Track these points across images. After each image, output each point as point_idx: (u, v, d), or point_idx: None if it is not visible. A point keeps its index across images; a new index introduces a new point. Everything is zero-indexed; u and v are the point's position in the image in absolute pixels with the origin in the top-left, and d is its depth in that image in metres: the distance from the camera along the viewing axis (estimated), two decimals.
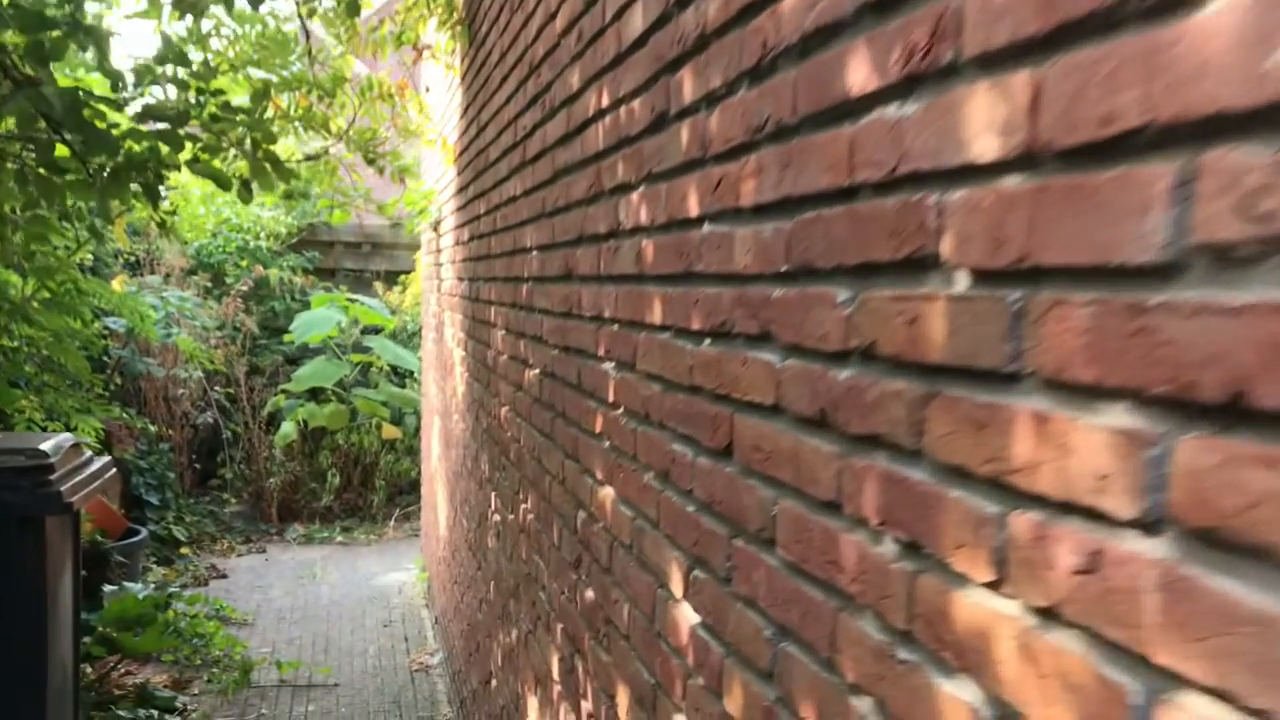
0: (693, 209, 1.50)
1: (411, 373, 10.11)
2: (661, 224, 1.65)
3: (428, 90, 4.78)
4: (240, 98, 4.67)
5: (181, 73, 4.26)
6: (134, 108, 4.33)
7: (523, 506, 3.03)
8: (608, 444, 2.02)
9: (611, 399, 1.98)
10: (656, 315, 1.68)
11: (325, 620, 6.67)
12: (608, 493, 2.01)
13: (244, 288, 9.47)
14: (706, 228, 1.45)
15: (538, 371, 2.80)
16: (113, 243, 8.65)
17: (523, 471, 3.02)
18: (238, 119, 4.55)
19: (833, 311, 1.07)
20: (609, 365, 2.01)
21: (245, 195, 5.13)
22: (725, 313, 1.37)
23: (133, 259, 8.78)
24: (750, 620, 1.28)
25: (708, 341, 1.45)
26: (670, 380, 1.61)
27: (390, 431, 9.10)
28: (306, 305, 9.63)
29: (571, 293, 2.35)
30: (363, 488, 9.14)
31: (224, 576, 7.60)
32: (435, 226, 5.72)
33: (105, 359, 8.21)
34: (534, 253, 2.85)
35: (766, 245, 1.23)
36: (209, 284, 9.66)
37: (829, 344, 1.08)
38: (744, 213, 1.31)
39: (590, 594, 2.14)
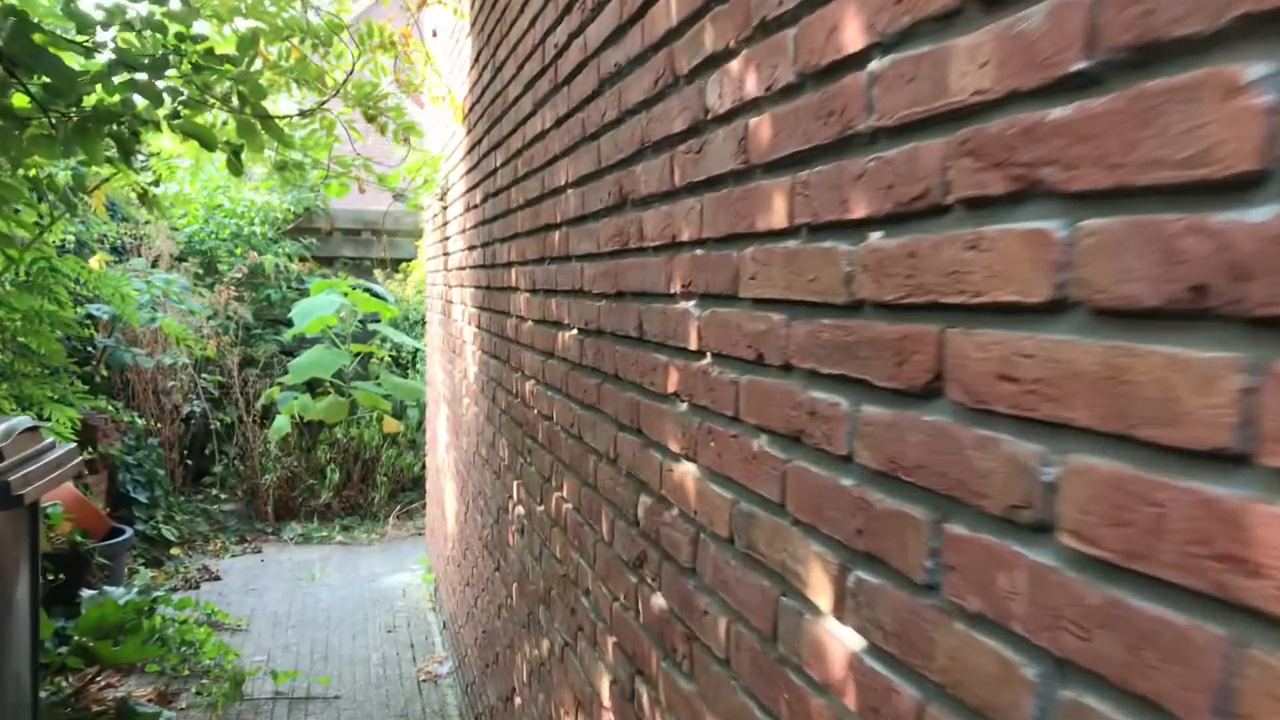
0: (852, 40, 1.02)
1: (414, 362, 9.66)
2: (789, 85, 1.17)
3: (435, 34, 4.31)
4: (227, 49, 4.20)
5: (158, 12, 3.78)
6: (105, 55, 3.86)
7: (556, 495, 2.55)
8: (686, 405, 1.54)
9: (694, 345, 1.51)
10: (778, 216, 1.21)
11: (324, 625, 6.19)
12: (687, 470, 1.54)
13: (237, 275, 9.00)
14: (883, 60, 0.97)
15: (575, 332, 2.33)
16: (97, 224, 8.20)
17: (556, 454, 2.55)
18: (223, 69, 4.07)
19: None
20: (689, 303, 1.54)
21: (235, 166, 4.68)
22: (928, 176, 0.89)
23: (118, 243, 8.29)
24: (988, 651, 0.81)
25: (881, 233, 0.98)
26: (806, 302, 1.13)
27: (392, 425, 8.61)
28: (303, 293, 9.15)
29: (627, 223, 1.88)
30: (363, 484, 8.66)
31: (216, 579, 7.12)
32: (442, 196, 5.24)
33: (90, 349, 7.73)
34: (569, 191, 2.37)
35: (1035, 40, 0.76)
36: (200, 271, 9.19)
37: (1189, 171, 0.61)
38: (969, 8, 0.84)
39: (660, 602, 1.67)
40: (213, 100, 4.16)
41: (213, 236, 9.42)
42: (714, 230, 1.43)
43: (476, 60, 4.02)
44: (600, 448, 2.08)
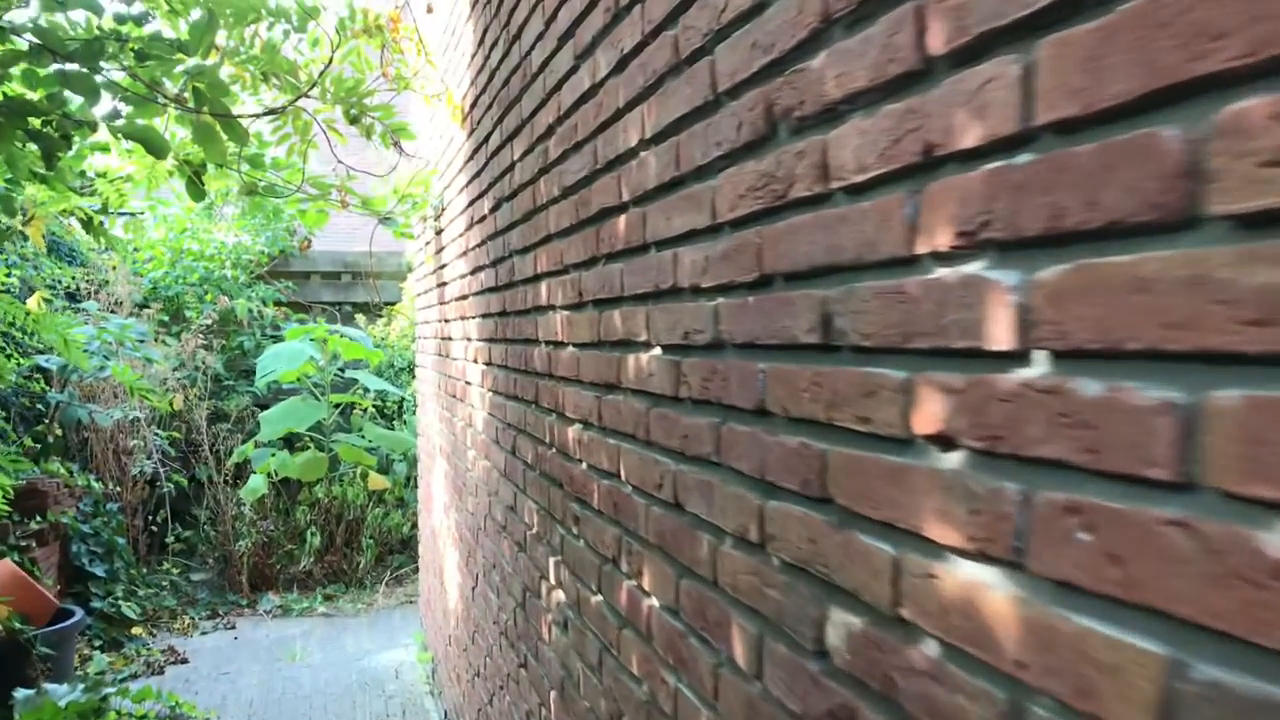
0: None
1: (400, 412, 8.90)
2: None
3: (430, 10, 3.61)
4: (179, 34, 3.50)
5: None
6: (26, 38, 3.16)
7: (628, 586, 1.81)
8: (963, 457, 0.82)
9: (1001, 342, 0.79)
10: None
11: (307, 715, 5.37)
12: (970, 576, 0.81)
13: (206, 321, 8.23)
14: None
15: (661, 351, 1.60)
16: (50, 267, 7.44)
17: (627, 526, 1.81)
18: (174, 58, 3.37)
19: None
20: (979, 265, 0.82)
21: (195, 189, 3.99)
22: None
23: (73, 288, 7.53)
24: None
25: None
26: None
27: (378, 482, 7.81)
28: (279, 340, 8.40)
29: (782, 161, 1.16)
30: (347, 548, 7.85)
31: (184, 661, 6.28)
32: (436, 217, 4.52)
33: (41, 406, 6.94)
34: (646, 153, 1.66)
35: None
36: (166, 318, 8.43)
37: None
38: None
39: None
40: (163, 98, 3.45)
41: (180, 281, 8.67)
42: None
43: (481, 42, 3.32)
44: (726, 523, 1.35)
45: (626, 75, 1.76)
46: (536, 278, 2.56)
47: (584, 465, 2.12)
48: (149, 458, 7.29)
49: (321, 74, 3.44)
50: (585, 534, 2.12)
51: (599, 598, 2.02)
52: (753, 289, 1.26)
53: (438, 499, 5.14)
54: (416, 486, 7.54)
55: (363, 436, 7.93)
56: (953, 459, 0.86)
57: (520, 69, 2.70)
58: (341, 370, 8.19)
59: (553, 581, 2.46)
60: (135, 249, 8.77)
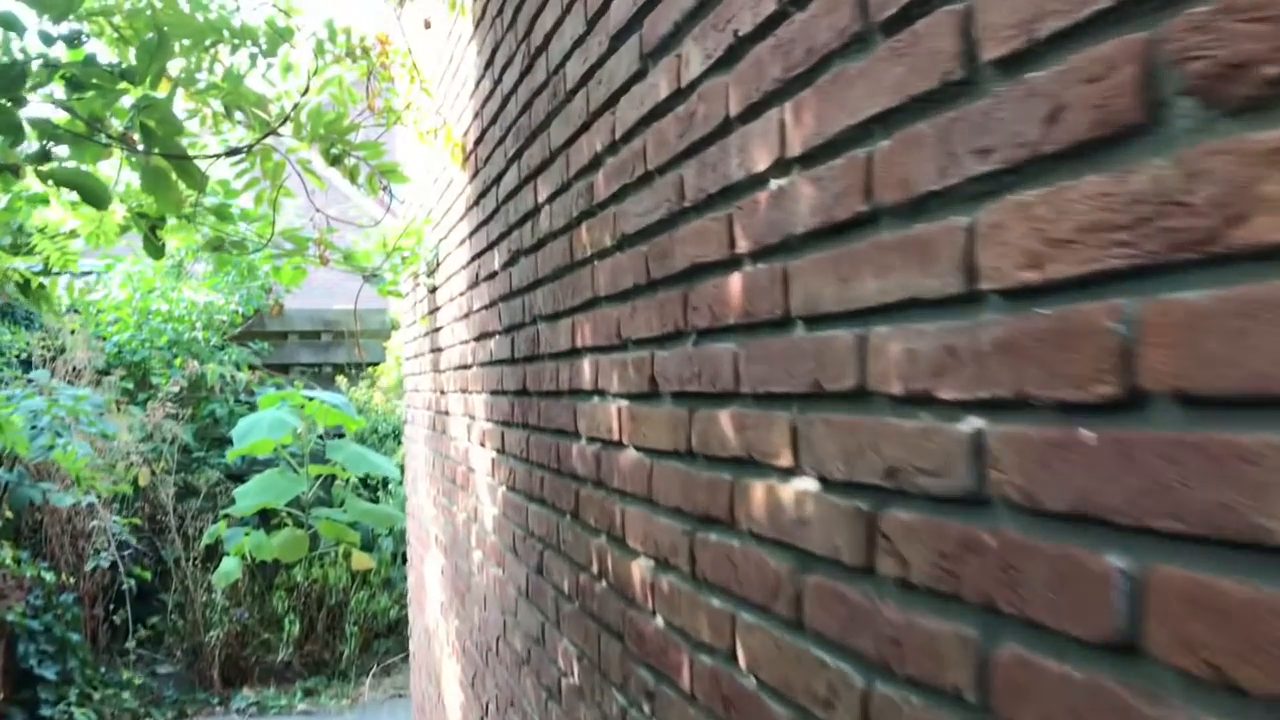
0: None
1: (385, 483, 8.26)
2: None
3: (428, 26, 3.03)
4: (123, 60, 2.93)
5: None
6: None
7: None
8: None
9: None
10: None
11: None
12: None
13: (174, 388, 7.58)
14: None
15: (815, 487, 1.01)
16: (7, 335, 6.82)
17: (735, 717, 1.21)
18: (117, 88, 2.81)
19: None
20: None
21: (153, 246, 3.43)
22: None
23: (26, 354, 6.90)
24: None
25: None
26: None
27: (362, 561, 7.09)
28: (254, 408, 7.74)
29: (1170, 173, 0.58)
30: (329, 635, 7.14)
31: None
32: (430, 273, 3.93)
33: None
34: (800, 174, 1.08)
35: None
36: (131, 385, 7.77)
37: None
38: None
39: None
40: (106, 137, 2.86)
41: (146, 345, 8.03)
42: None
43: (489, 65, 2.74)
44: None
45: (742, 69, 1.19)
46: (575, 352, 1.97)
47: (660, 622, 1.51)
48: (103, 550, 6.59)
49: (296, 107, 2.87)
50: (666, 716, 1.51)
51: None
52: (1092, 414, 0.67)
53: (432, 595, 4.50)
54: (404, 562, 6.89)
55: (345, 511, 7.27)
56: None
57: (547, 89, 2.12)
58: (321, 439, 7.54)
59: None
60: (98, 310, 8.14)
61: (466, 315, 3.26)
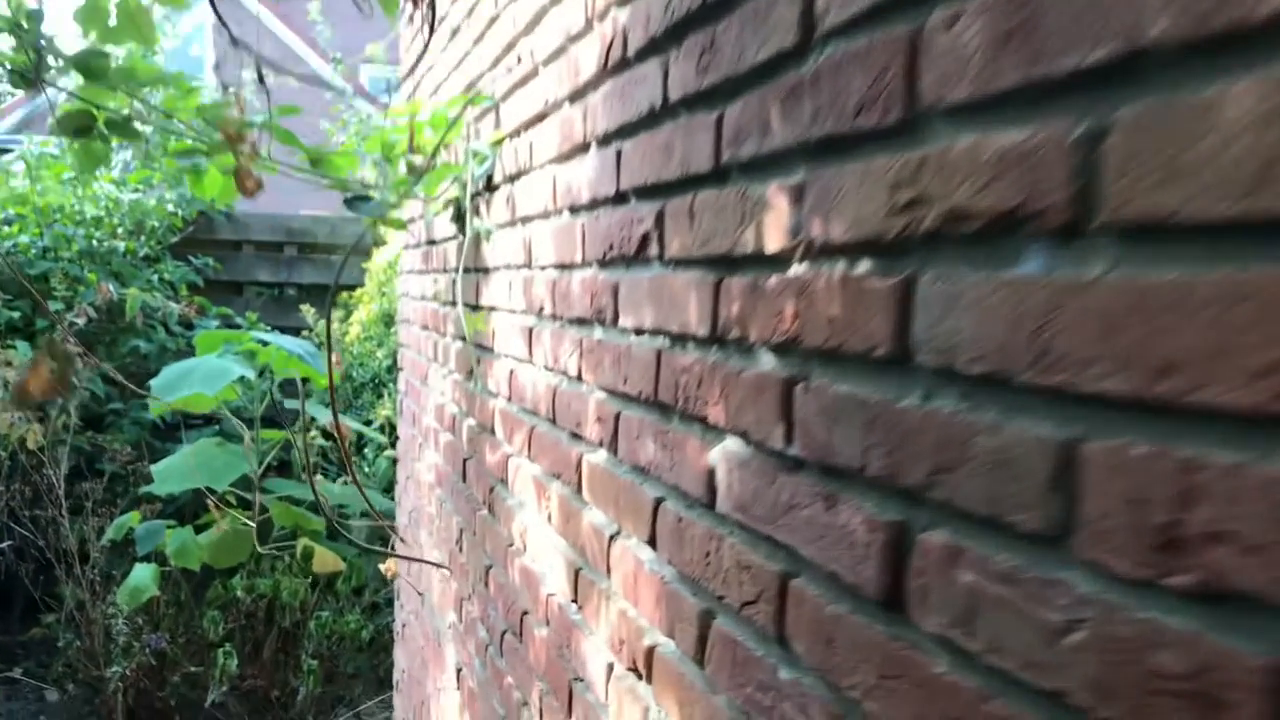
0: None
1: (360, 449, 6.37)
2: None
3: None
4: None
5: None
6: None
7: None
8: None
9: None
10: None
11: None
12: None
13: (79, 319, 5.56)
14: None
15: None
16: None
17: None
18: None
19: None
20: None
21: (85, 159, 1.65)
22: None
23: None
24: None
25: None
26: None
27: (327, 561, 5.17)
28: (191, 346, 5.72)
29: None
30: (279, 666, 5.27)
31: None
32: (487, 188, 1.95)
33: None
34: None
35: None
36: (25, 312, 5.77)
37: None
38: None
39: None
40: None
41: (48, 255, 6.00)
42: None
43: None
44: None
45: None
46: None
47: None
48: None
49: None
50: None
51: None
52: None
53: (445, 636, 2.61)
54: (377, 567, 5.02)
55: (303, 487, 5.33)
56: None
57: None
58: (281, 393, 5.57)
59: None
60: None
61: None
